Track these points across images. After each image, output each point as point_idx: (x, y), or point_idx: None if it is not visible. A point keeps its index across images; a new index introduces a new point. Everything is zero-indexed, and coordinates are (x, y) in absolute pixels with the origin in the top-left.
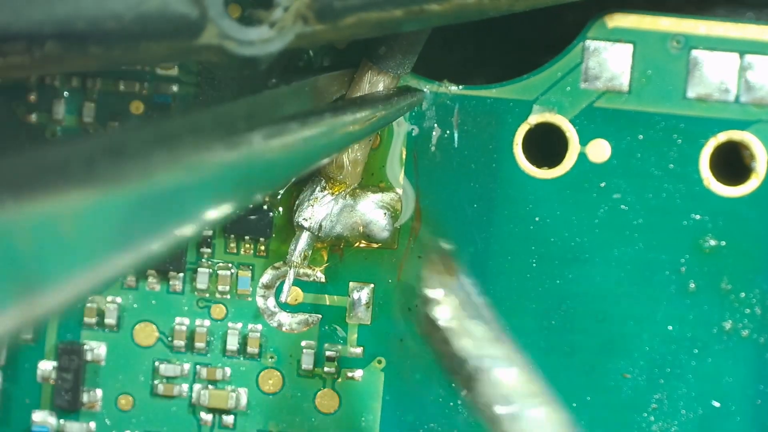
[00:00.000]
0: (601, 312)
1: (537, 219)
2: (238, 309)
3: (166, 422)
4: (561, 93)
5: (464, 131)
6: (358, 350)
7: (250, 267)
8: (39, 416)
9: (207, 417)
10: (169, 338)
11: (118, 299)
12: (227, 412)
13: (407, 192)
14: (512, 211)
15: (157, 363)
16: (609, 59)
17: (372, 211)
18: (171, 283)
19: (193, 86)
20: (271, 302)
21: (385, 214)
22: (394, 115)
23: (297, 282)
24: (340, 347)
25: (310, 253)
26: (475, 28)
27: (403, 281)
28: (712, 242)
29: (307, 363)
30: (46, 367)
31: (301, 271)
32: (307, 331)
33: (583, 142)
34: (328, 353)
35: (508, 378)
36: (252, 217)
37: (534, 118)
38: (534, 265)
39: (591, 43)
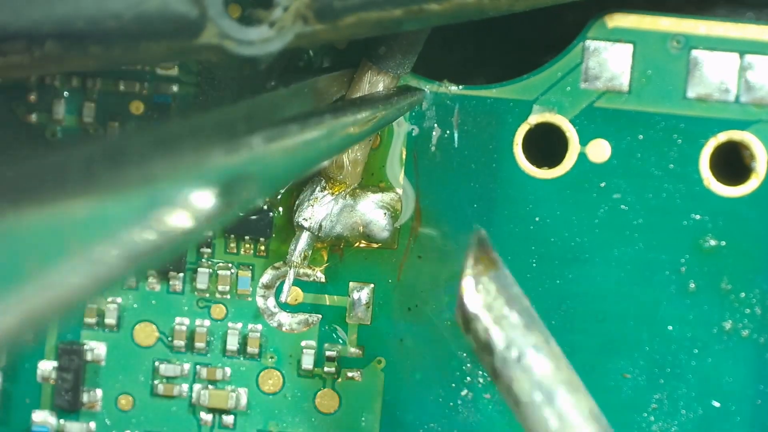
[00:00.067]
0: (601, 312)
1: (537, 219)
2: (238, 309)
3: (166, 422)
4: (561, 93)
5: (464, 131)
6: (358, 350)
7: (250, 267)
8: (39, 416)
9: (207, 417)
10: (169, 338)
11: (118, 299)
12: (227, 412)
13: (407, 192)
14: (512, 211)
15: (157, 363)
16: (609, 59)
17: (372, 211)
18: (171, 283)
19: (193, 86)
20: (271, 302)
21: (385, 214)
22: (395, 115)
23: (297, 282)
24: (340, 347)
25: (310, 253)
26: (475, 28)
27: (403, 281)
28: (712, 242)
29: (307, 363)
30: (46, 367)
31: (301, 271)
32: (307, 331)
33: (583, 142)
34: (328, 353)
35: (539, 365)
36: (252, 217)
37: (534, 118)
38: (534, 265)
39: (591, 43)
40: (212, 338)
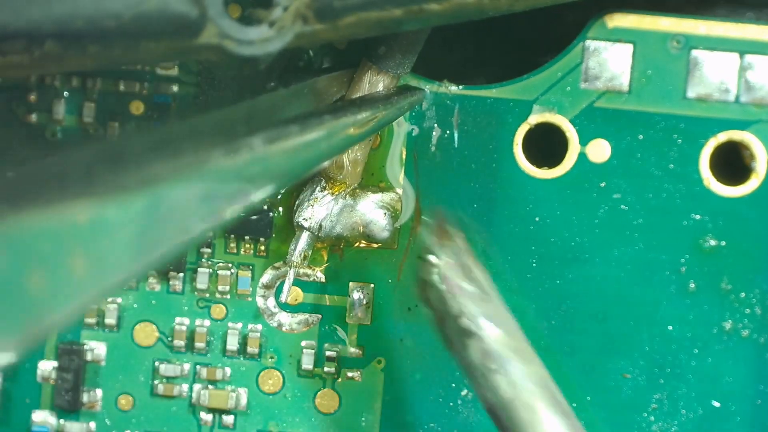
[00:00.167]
0: (601, 312)
1: (537, 219)
2: (238, 309)
3: (166, 422)
4: (561, 93)
5: (464, 131)
6: (358, 350)
7: (250, 267)
8: (39, 416)
9: (207, 417)
10: (169, 338)
11: (118, 299)
12: (227, 412)
13: (407, 192)
14: (512, 211)
15: (157, 363)
16: (609, 59)
17: (372, 211)
18: (171, 283)
19: (193, 86)
20: (271, 302)
21: (385, 214)
22: (395, 115)
23: (297, 282)
24: (340, 347)
25: (310, 253)
26: (475, 28)
27: (403, 281)
28: (712, 242)
29: (307, 363)
30: (46, 367)
31: (301, 271)
32: (307, 331)
33: (583, 142)
34: (328, 353)
35: (492, 334)
36: (252, 217)
37: (534, 118)
38: (534, 265)
39: (591, 43)
40: (212, 338)
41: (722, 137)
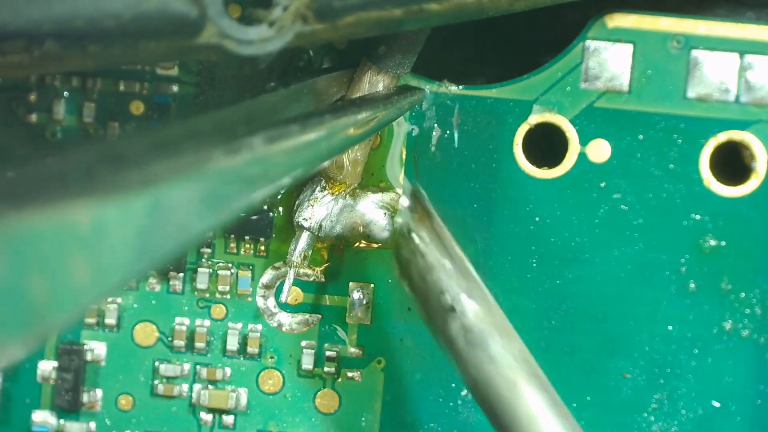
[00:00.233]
0: (601, 312)
1: (537, 219)
2: (238, 309)
3: (166, 422)
4: (561, 93)
5: (464, 131)
6: (358, 350)
7: (250, 267)
8: (39, 416)
9: (207, 417)
10: (169, 338)
11: (118, 299)
12: (227, 412)
13: (407, 192)
14: (512, 211)
15: (157, 363)
16: (609, 59)
17: (372, 211)
18: (171, 283)
19: (193, 86)
20: (271, 302)
21: (385, 214)
22: (395, 114)
23: (297, 282)
24: (340, 347)
25: (310, 253)
26: (475, 28)
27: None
28: (712, 242)
29: (307, 363)
30: (46, 367)
31: (301, 271)
32: (307, 331)
33: (583, 142)
34: (328, 353)
35: (471, 310)
36: (252, 217)
37: (534, 118)
38: (534, 265)
39: (591, 43)
40: (212, 338)
41: (722, 137)
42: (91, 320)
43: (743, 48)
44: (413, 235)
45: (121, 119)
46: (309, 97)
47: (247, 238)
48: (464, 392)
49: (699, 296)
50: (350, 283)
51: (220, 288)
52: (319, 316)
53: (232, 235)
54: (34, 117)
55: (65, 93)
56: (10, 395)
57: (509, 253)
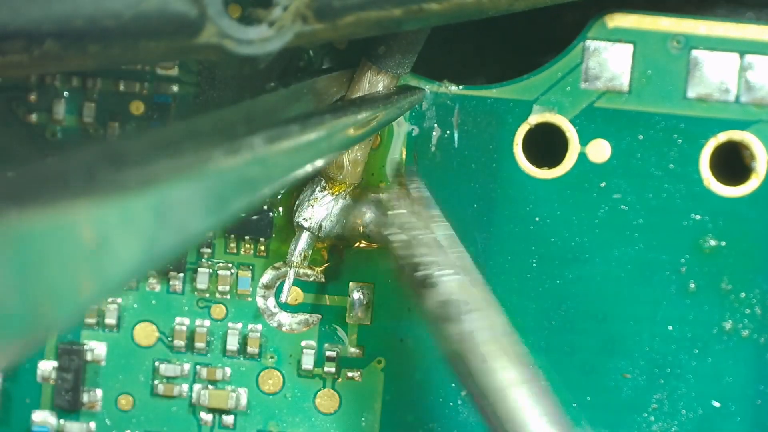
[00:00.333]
0: (601, 312)
1: (537, 219)
2: (238, 309)
3: (166, 422)
4: (561, 93)
5: (464, 131)
6: (358, 350)
7: (250, 267)
8: (39, 416)
9: (207, 417)
10: (169, 338)
11: (119, 299)
12: (227, 412)
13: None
14: (512, 211)
15: (157, 363)
16: (609, 59)
17: (372, 211)
18: (171, 283)
19: (193, 86)
20: (271, 302)
21: None
22: (395, 114)
23: (297, 282)
24: (340, 347)
25: (310, 253)
26: (475, 28)
27: None
28: (712, 242)
29: (307, 363)
30: (47, 367)
31: (301, 271)
32: (307, 331)
33: (583, 142)
34: (328, 353)
35: (451, 284)
36: (252, 217)
37: (534, 118)
38: (534, 265)
39: (591, 43)
40: (212, 338)
41: (722, 137)
42: (91, 320)
43: (743, 48)
44: (395, 208)
45: (121, 119)
46: (309, 97)
47: (247, 238)
48: (464, 392)
49: (699, 296)
50: (350, 283)
51: (220, 288)
52: (319, 316)
53: (232, 235)
54: (34, 117)
55: (65, 93)
56: (10, 395)
57: (509, 253)
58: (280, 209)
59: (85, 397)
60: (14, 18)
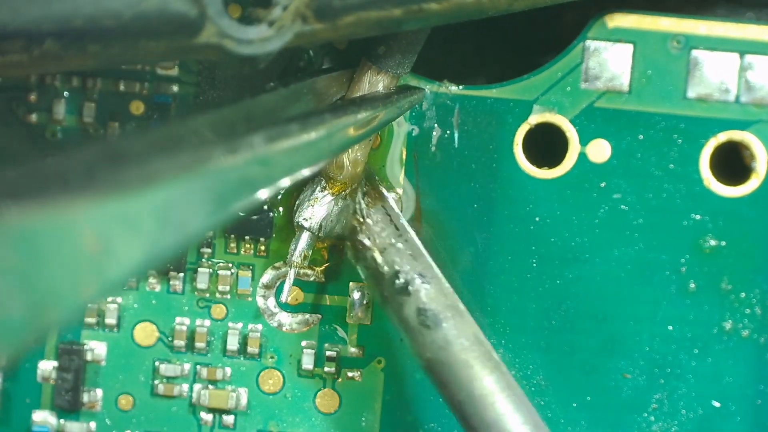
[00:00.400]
0: (601, 312)
1: (537, 219)
2: (239, 309)
3: (167, 422)
4: (561, 93)
5: (464, 131)
6: (358, 350)
7: (251, 267)
8: (39, 416)
9: (207, 417)
10: (170, 338)
11: (119, 299)
12: (227, 412)
13: (407, 192)
14: (512, 211)
15: (157, 363)
16: (609, 59)
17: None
18: (171, 283)
19: (193, 86)
20: (272, 302)
21: None
22: (395, 114)
23: (297, 282)
24: (340, 347)
25: (310, 253)
26: (475, 28)
27: None
28: (712, 242)
29: (307, 363)
30: (47, 367)
31: (302, 271)
32: (307, 331)
33: (584, 142)
34: (328, 353)
35: (425, 292)
36: (252, 217)
37: (534, 118)
38: (534, 265)
39: (591, 43)
40: (212, 338)
41: (722, 137)
42: (92, 320)
43: (743, 48)
44: (367, 217)
45: (121, 119)
46: (309, 97)
47: (247, 238)
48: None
49: (699, 296)
50: (350, 283)
51: (220, 288)
52: (319, 316)
53: (233, 235)
54: (34, 117)
55: (65, 93)
56: (10, 395)
57: (509, 253)
58: (280, 209)
59: (85, 397)
60: (14, 18)
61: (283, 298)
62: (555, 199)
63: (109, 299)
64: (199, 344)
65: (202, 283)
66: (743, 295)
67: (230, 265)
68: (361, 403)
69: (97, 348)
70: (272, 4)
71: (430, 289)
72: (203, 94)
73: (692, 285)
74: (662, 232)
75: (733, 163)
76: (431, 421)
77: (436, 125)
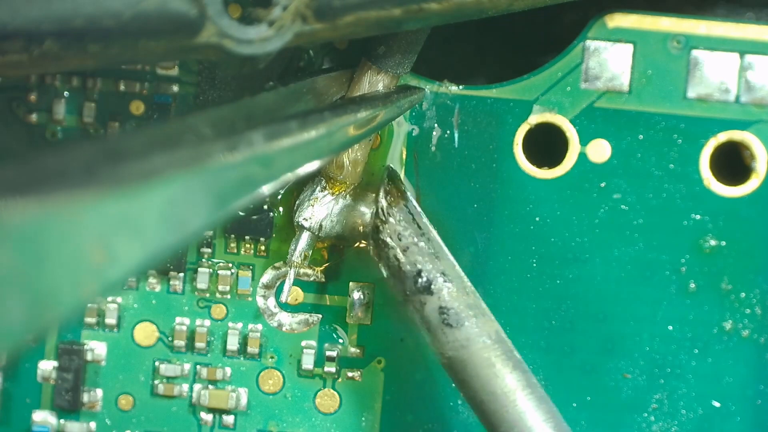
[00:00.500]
0: (601, 312)
1: (537, 219)
2: (239, 309)
3: (167, 422)
4: (561, 93)
5: (464, 131)
6: (358, 350)
7: (251, 267)
8: (39, 416)
9: (207, 417)
10: (170, 338)
11: (119, 299)
12: (227, 412)
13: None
14: (512, 211)
15: (157, 363)
16: (609, 59)
17: (372, 211)
18: (171, 283)
19: (193, 86)
20: (272, 302)
21: None
22: (395, 113)
23: (297, 282)
24: (340, 347)
25: (310, 253)
26: (475, 27)
27: None
28: (712, 242)
29: (307, 363)
30: (47, 367)
31: (302, 271)
32: (308, 331)
33: (584, 142)
34: (328, 353)
35: (447, 291)
36: (252, 217)
37: (534, 118)
38: (534, 265)
39: (591, 43)
40: (212, 338)
41: (722, 137)
42: (92, 320)
43: (743, 48)
44: (390, 216)
45: (121, 119)
46: (309, 96)
47: (247, 238)
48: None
49: (699, 296)
50: (350, 283)
51: (220, 288)
52: (320, 316)
53: (233, 235)
54: (34, 117)
55: (65, 93)
56: (10, 395)
57: (509, 253)
58: (280, 209)
59: (85, 397)
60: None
61: (283, 298)
62: (555, 199)
63: (109, 299)
64: (199, 344)
65: (202, 283)
66: (743, 295)
67: (230, 265)
68: (361, 403)
69: (97, 348)
70: (272, 4)
71: (452, 288)
72: (203, 94)
73: (692, 285)
74: (662, 232)
75: (733, 163)
76: (431, 421)
77: (436, 125)
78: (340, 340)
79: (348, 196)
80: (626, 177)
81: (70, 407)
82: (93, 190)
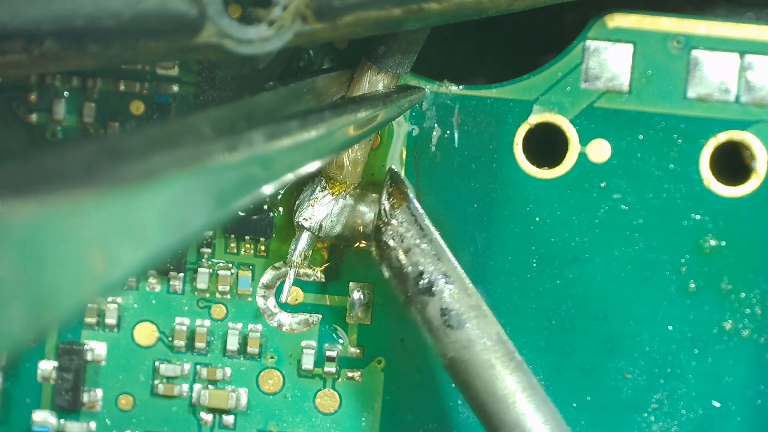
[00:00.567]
0: (601, 312)
1: (537, 219)
2: (239, 309)
3: (167, 422)
4: (561, 93)
5: (464, 131)
6: (358, 350)
7: (251, 267)
8: (39, 416)
9: (207, 417)
10: (170, 338)
11: (119, 299)
12: (227, 412)
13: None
14: (512, 211)
15: (157, 363)
16: (609, 59)
17: (372, 211)
18: (171, 283)
19: (193, 86)
20: (272, 302)
21: None
22: (395, 113)
23: (297, 282)
24: (340, 347)
25: (310, 253)
26: (475, 27)
27: None
28: (712, 242)
29: (307, 363)
30: (47, 367)
31: (302, 271)
32: (308, 331)
33: (584, 142)
34: (328, 353)
35: (449, 292)
36: (252, 217)
37: (534, 118)
38: (534, 265)
39: (591, 43)
40: (212, 338)
41: (722, 137)
42: (92, 320)
43: (743, 48)
44: (392, 218)
45: (121, 119)
46: (309, 96)
47: (247, 238)
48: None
49: (699, 296)
50: (350, 283)
51: (220, 288)
52: (320, 316)
53: (232, 235)
54: (34, 117)
55: (65, 93)
56: (10, 395)
57: (509, 253)
58: (280, 209)
59: (85, 397)
60: (14, 18)
61: (283, 298)
62: (555, 199)
63: (109, 299)
64: (199, 344)
65: (202, 283)
66: (743, 295)
67: (230, 265)
68: (361, 403)
69: (97, 348)
70: (272, 4)
71: (453, 290)
72: (203, 94)
73: (692, 285)
74: (662, 232)
75: (733, 163)
76: (431, 421)
77: (436, 125)
78: (340, 340)
79: (348, 196)
80: (626, 177)
81: (70, 407)
82: (93, 190)
